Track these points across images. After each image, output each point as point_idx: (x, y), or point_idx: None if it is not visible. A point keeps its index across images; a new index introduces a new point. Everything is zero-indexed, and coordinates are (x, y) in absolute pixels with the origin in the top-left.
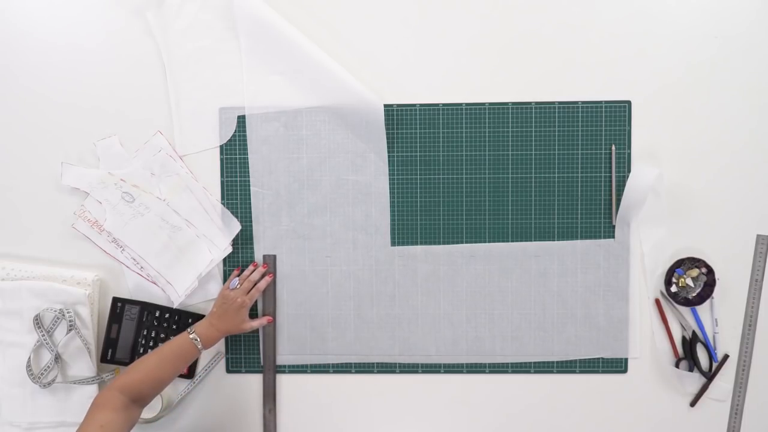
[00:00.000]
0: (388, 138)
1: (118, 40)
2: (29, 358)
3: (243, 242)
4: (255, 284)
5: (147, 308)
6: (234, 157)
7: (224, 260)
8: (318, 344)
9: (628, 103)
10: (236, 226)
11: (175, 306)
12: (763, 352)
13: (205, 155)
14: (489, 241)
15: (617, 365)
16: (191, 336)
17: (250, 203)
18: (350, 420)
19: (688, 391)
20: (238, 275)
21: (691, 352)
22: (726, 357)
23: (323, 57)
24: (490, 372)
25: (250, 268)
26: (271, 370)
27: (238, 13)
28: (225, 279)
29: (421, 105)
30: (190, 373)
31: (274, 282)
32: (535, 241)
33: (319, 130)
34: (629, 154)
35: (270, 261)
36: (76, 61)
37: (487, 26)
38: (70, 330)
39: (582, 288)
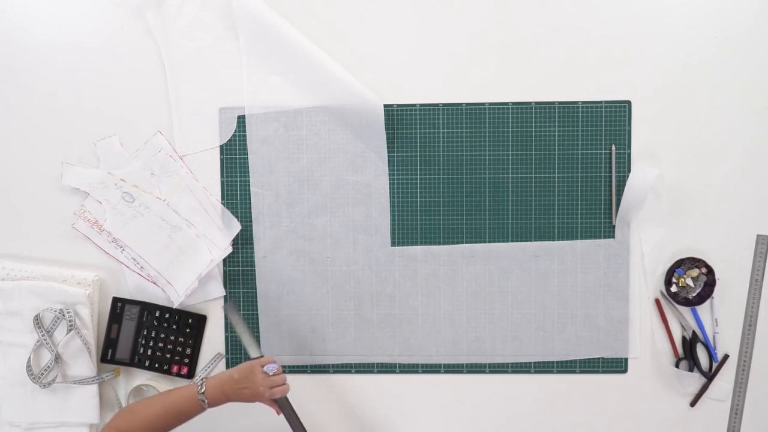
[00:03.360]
0: (388, 138)
1: (118, 40)
2: (29, 358)
3: (243, 242)
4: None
5: (147, 308)
6: (234, 157)
7: (224, 260)
8: (318, 344)
9: (628, 103)
10: (236, 226)
11: (175, 306)
12: (763, 352)
13: (205, 155)
14: (489, 241)
15: (617, 365)
16: (200, 396)
17: (250, 203)
18: (350, 420)
19: (688, 391)
20: (275, 363)
21: (691, 352)
22: (726, 357)
23: (323, 57)
24: (490, 372)
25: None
26: None
27: (238, 13)
28: (225, 279)
29: (421, 105)
30: (190, 373)
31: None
32: (535, 241)
33: (319, 130)
34: (629, 154)
35: (230, 308)
36: (76, 61)
37: (488, 26)
38: (70, 330)
39: (582, 288)
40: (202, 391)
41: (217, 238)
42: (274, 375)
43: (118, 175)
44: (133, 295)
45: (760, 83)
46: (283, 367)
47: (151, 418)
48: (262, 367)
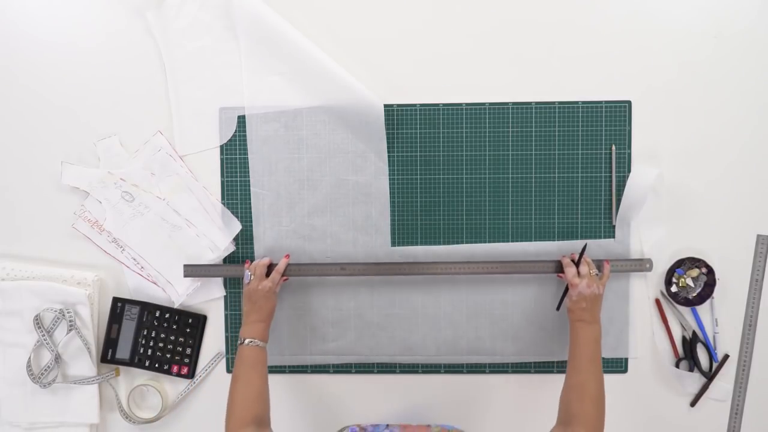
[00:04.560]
0: (388, 138)
1: (118, 40)
2: (29, 358)
3: (243, 242)
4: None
5: (147, 308)
6: (234, 157)
7: (225, 260)
8: (318, 344)
9: (628, 103)
10: (236, 226)
11: (175, 306)
12: (763, 352)
13: (205, 155)
14: (489, 241)
15: (617, 365)
16: (248, 342)
17: (250, 203)
18: (351, 420)
19: (688, 391)
20: (245, 269)
21: (691, 352)
22: (726, 357)
23: (323, 57)
24: (490, 372)
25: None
26: None
27: (238, 13)
28: (225, 279)
29: (421, 105)
30: (190, 373)
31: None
32: (535, 241)
33: (319, 130)
34: (629, 154)
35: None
36: (76, 62)
37: (488, 27)
38: (70, 330)
39: None
40: (243, 339)
41: (217, 237)
42: (253, 275)
43: (118, 175)
44: (133, 295)
45: (761, 83)
46: (284, 366)
47: (247, 393)
48: (247, 284)
